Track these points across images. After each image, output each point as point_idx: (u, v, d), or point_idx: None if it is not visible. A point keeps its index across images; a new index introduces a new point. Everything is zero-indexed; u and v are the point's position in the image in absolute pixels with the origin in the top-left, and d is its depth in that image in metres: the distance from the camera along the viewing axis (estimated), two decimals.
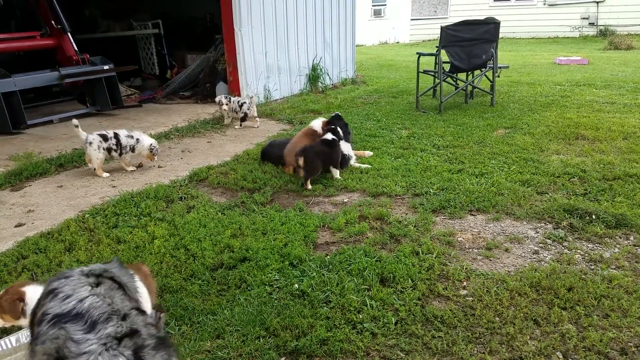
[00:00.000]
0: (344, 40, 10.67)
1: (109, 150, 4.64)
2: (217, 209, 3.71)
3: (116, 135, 4.67)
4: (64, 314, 1.39)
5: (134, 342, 1.36)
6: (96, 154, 4.59)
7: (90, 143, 4.55)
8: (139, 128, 6.36)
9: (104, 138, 4.60)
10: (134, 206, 3.81)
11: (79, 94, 8.05)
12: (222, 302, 2.53)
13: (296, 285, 2.65)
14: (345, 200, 3.91)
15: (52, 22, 7.56)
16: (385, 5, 22.81)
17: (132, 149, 4.75)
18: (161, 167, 4.97)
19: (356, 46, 11.36)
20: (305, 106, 7.85)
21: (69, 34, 7.63)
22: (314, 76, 9.49)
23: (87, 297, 1.45)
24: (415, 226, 3.34)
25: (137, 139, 4.76)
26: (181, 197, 4.02)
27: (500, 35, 7.34)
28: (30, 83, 6.72)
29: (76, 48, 7.65)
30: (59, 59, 7.68)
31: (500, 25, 7.03)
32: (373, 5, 22.90)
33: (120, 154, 4.73)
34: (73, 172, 4.85)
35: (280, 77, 8.63)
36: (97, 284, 1.53)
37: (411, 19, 22.59)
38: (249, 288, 2.65)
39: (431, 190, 3.96)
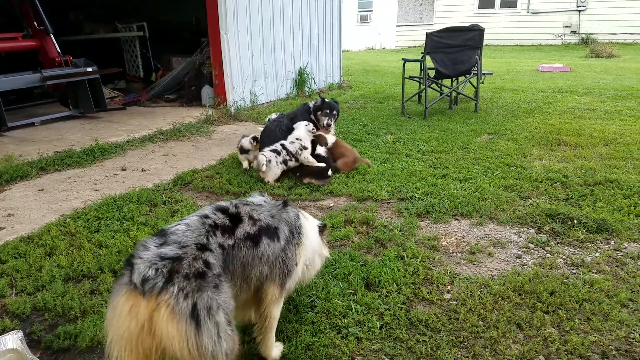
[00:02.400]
0: (330, 45, 10.72)
1: (285, 162, 4.50)
2: None
3: (283, 146, 4.52)
4: None
5: None
6: (275, 170, 4.45)
7: (269, 161, 4.37)
8: (123, 131, 6.31)
9: (277, 152, 4.46)
10: (117, 210, 3.75)
11: (61, 96, 7.92)
12: None
13: None
14: (332, 205, 3.91)
15: (35, 23, 7.44)
16: (372, 11, 23.00)
17: (303, 148, 4.57)
18: (145, 170, 4.90)
19: (343, 51, 11.42)
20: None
21: (51, 35, 7.51)
22: (300, 81, 9.51)
23: None
24: (400, 230, 3.36)
25: (297, 138, 4.59)
26: (165, 201, 3.97)
27: (485, 42, 7.46)
28: (12, 84, 6.60)
29: (59, 50, 7.53)
30: (41, 61, 7.55)
31: (485, 32, 7.15)
32: (359, 11, 23.06)
33: (297, 160, 4.55)
34: (54, 176, 4.76)
35: (266, 81, 8.62)
36: None
37: (397, 25, 22.80)
38: None
39: (416, 195, 3.99)
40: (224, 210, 1.93)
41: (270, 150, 4.48)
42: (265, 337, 2.10)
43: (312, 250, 2.27)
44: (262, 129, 5.19)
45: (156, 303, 1.53)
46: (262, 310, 2.05)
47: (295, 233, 2.11)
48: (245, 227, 1.91)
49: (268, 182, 4.43)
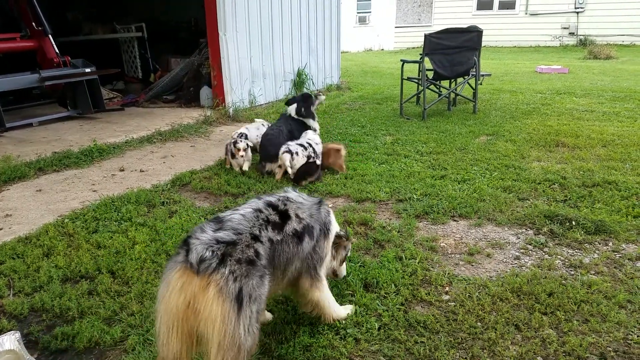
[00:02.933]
0: (329, 46, 10.73)
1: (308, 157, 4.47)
2: (200, 214, 3.67)
3: (310, 144, 4.53)
4: None
5: None
6: (301, 161, 4.41)
7: (297, 153, 4.37)
8: (121, 132, 6.31)
9: (304, 147, 4.47)
10: (115, 211, 3.75)
11: (59, 96, 7.91)
12: None
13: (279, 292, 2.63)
14: (330, 206, 3.90)
15: (33, 24, 7.43)
16: (370, 12, 23.02)
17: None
18: (143, 171, 4.90)
19: (341, 53, 11.43)
20: None
21: (50, 36, 7.50)
22: (299, 82, 9.51)
23: None
24: (398, 231, 3.36)
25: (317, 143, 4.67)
26: (163, 202, 3.97)
27: (483, 44, 7.46)
28: (10, 85, 6.59)
29: (57, 50, 7.52)
30: (39, 61, 7.54)
31: (483, 33, 7.16)
32: (358, 13, 23.08)
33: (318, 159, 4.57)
34: (53, 176, 4.75)
35: (265, 82, 8.62)
36: None
37: (395, 27, 22.83)
38: None
39: (415, 196, 3.99)
40: (274, 207, 2.06)
41: (297, 144, 4.49)
42: (324, 313, 2.33)
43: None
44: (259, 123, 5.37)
45: (207, 282, 1.62)
46: (306, 300, 2.27)
47: (325, 229, 2.29)
48: (293, 225, 2.07)
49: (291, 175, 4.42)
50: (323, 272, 2.31)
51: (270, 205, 2.06)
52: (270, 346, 2.21)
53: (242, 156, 4.69)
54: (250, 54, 8.09)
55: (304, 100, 5.12)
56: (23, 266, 2.92)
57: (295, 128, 4.99)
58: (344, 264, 2.60)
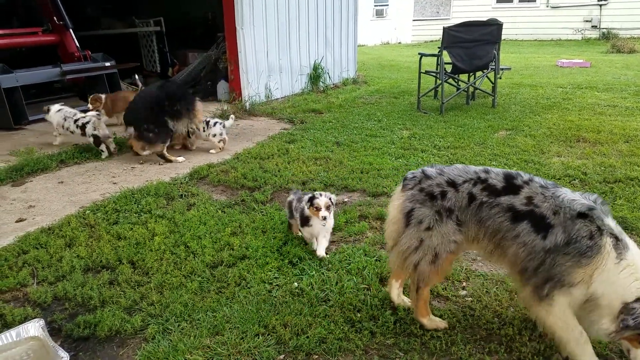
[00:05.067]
0: (345, 40, 10.66)
1: None
2: (218, 207, 3.71)
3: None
4: None
5: None
6: None
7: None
8: None
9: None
10: (135, 203, 3.82)
11: (80, 90, 8.04)
12: (222, 300, 2.53)
13: (295, 284, 2.65)
14: (346, 200, 3.90)
15: (54, 18, 7.56)
16: (388, 5, 22.79)
17: None
18: (162, 164, 4.97)
19: (358, 46, 11.35)
20: (306, 105, 7.84)
21: (71, 30, 7.63)
22: (315, 76, 9.48)
23: None
24: None
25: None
26: (182, 195, 4.02)
27: (503, 37, 7.33)
28: (32, 79, 6.71)
29: (78, 45, 7.65)
30: (60, 55, 7.68)
31: (503, 27, 7.03)
32: (375, 6, 22.87)
33: None
34: (74, 168, 4.86)
35: (281, 76, 8.63)
36: None
37: (413, 20, 22.56)
38: (248, 286, 2.65)
39: None
40: (510, 177, 2.03)
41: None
42: None
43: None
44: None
45: (402, 194, 2.13)
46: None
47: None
48: (513, 200, 1.97)
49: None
50: None
51: (506, 175, 2.04)
52: (285, 337, 2.23)
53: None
54: (267, 48, 8.10)
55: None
56: (46, 256, 3.00)
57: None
58: None
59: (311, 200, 2.90)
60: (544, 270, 1.87)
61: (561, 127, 5.84)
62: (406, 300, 2.46)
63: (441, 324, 2.29)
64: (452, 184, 2.05)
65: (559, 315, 1.88)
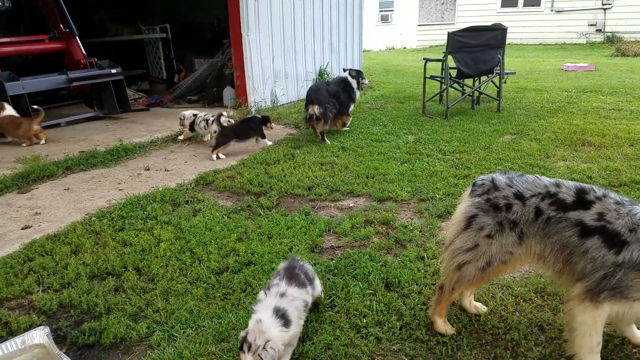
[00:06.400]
0: (350, 45, 10.70)
1: None
2: (223, 213, 3.72)
3: None
4: None
5: None
6: None
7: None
8: (147, 131, 6.44)
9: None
10: (140, 209, 3.83)
11: (86, 97, 8.12)
12: (227, 306, 2.53)
13: None
14: (351, 205, 3.90)
15: (61, 25, 7.65)
16: (393, 10, 22.85)
17: None
18: (168, 170, 4.99)
19: (363, 51, 11.39)
20: None
21: (77, 37, 7.71)
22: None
23: None
24: (420, 231, 3.33)
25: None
26: (187, 201, 4.03)
27: (507, 41, 7.32)
28: (39, 86, 6.79)
29: (84, 52, 7.73)
30: (67, 63, 7.76)
31: (508, 31, 7.02)
32: (380, 11, 22.94)
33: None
34: (80, 175, 4.89)
35: (287, 82, 8.66)
36: None
37: (418, 25, 22.60)
38: (254, 292, 2.65)
39: (437, 195, 3.95)
40: (582, 191, 1.97)
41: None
42: None
43: None
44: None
45: (469, 199, 2.16)
46: None
47: None
48: (583, 215, 1.92)
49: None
50: None
51: (579, 190, 1.98)
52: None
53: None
54: (272, 54, 8.15)
55: (357, 72, 6.52)
56: (52, 263, 3.02)
57: (340, 91, 6.25)
58: None
59: None
60: (610, 280, 1.84)
61: (566, 131, 5.81)
62: (479, 306, 2.47)
63: (450, 330, 2.29)
64: (520, 197, 2.04)
65: (593, 321, 1.89)
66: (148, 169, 5.01)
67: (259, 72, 7.87)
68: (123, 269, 2.94)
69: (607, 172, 4.30)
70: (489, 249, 2.09)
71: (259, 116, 5.78)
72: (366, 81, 6.63)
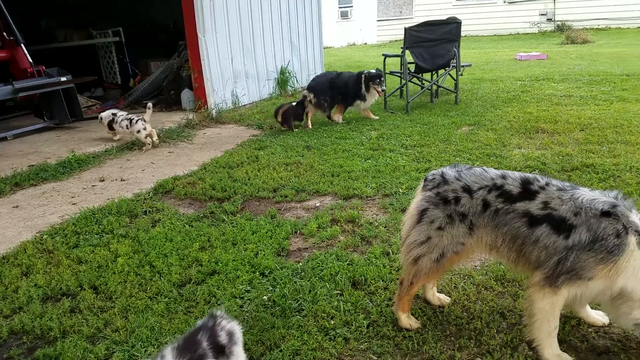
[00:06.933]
0: (311, 42, 10.68)
1: None
2: (185, 221, 3.62)
3: None
4: None
5: None
6: None
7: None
8: (101, 140, 6.22)
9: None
10: (96, 223, 3.68)
11: (35, 107, 7.73)
12: (190, 320, 2.45)
13: (265, 297, 2.60)
14: (317, 204, 3.88)
15: (4, 33, 7.25)
16: (352, 6, 22.97)
17: None
18: (124, 180, 4.82)
19: (324, 48, 11.40)
20: None
21: (22, 45, 7.33)
22: (282, 80, 9.45)
23: None
24: (385, 227, 3.36)
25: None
26: (145, 211, 3.90)
27: (463, 34, 7.48)
28: None
29: (31, 60, 7.35)
30: (12, 72, 7.36)
31: (463, 24, 7.17)
32: (340, 7, 23.02)
33: None
34: (30, 191, 4.63)
35: (248, 82, 8.55)
36: None
37: (377, 20, 22.82)
38: (218, 303, 2.59)
39: (400, 190, 3.99)
40: (526, 182, 2.03)
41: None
42: None
43: None
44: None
45: (421, 194, 2.23)
46: None
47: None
48: (529, 205, 1.98)
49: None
50: None
51: (524, 179, 2.05)
52: (258, 353, 2.18)
53: None
54: (231, 54, 8.01)
55: (378, 76, 6.61)
56: (0, 287, 2.84)
57: (351, 84, 6.69)
58: None
59: None
60: (564, 264, 1.91)
61: (521, 119, 6.00)
62: (443, 298, 2.50)
63: (415, 324, 2.30)
64: (468, 190, 2.10)
65: (551, 306, 1.97)
66: (103, 180, 4.82)
67: (218, 73, 7.72)
68: (79, 288, 2.80)
69: (560, 157, 4.46)
70: (440, 241, 2.14)
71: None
72: (379, 87, 6.57)
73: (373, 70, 6.74)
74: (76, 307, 2.64)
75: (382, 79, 6.61)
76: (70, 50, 10.18)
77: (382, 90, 6.65)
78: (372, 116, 6.86)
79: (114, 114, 6.06)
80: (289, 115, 6.50)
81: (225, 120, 7.41)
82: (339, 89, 6.76)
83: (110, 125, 6.08)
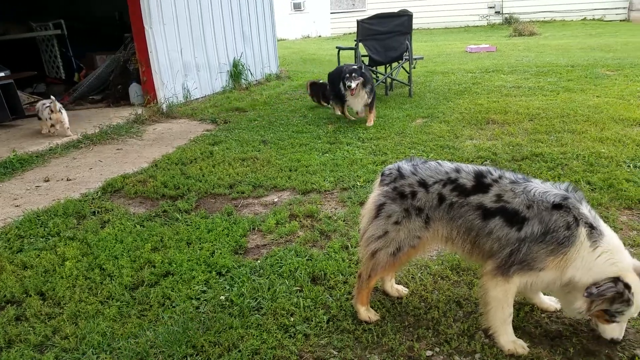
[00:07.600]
0: (264, 34, 10.53)
1: None
2: (135, 221, 3.48)
3: None
4: None
5: None
6: None
7: None
8: (44, 138, 5.90)
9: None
10: (41, 226, 3.48)
11: None
12: (144, 324, 2.37)
13: (222, 297, 2.55)
14: (275, 200, 3.85)
15: None
16: None
17: None
18: (70, 179, 4.58)
19: (278, 41, 11.29)
20: (229, 104, 7.65)
21: None
22: (235, 72, 9.27)
23: None
24: (344, 220, 3.37)
25: None
26: (94, 212, 3.72)
27: (415, 27, 7.61)
28: None
29: None
30: None
31: (414, 16, 7.28)
32: None
33: None
34: None
35: (199, 74, 8.32)
36: None
37: (331, 12, 22.83)
38: (173, 305, 2.51)
39: (358, 183, 4.02)
40: (480, 175, 2.07)
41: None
42: None
43: None
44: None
45: (378, 188, 2.24)
46: None
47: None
48: (483, 198, 2.02)
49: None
50: None
51: (477, 173, 2.09)
52: (215, 355, 2.14)
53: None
54: (180, 46, 7.77)
55: (350, 71, 5.84)
56: None
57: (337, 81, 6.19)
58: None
59: None
60: (517, 255, 1.96)
61: (472, 111, 6.19)
62: (401, 289, 2.53)
63: (374, 316, 2.33)
64: (424, 184, 2.12)
65: (504, 294, 2.03)
66: (48, 180, 4.56)
67: (167, 66, 7.47)
68: (24, 295, 2.64)
69: (510, 147, 4.64)
70: (397, 235, 2.16)
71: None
72: (352, 83, 5.69)
73: (354, 65, 6.16)
74: (22, 314, 2.49)
75: (353, 74, 5.73)
76: (8, 44, 9.52)
77: (349, 87, 5.73)
78: (370, 122, 5.90)
79: (43, 104, 5.98)
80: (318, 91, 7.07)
81: (176, 114, 7.19)
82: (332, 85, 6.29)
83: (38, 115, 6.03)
